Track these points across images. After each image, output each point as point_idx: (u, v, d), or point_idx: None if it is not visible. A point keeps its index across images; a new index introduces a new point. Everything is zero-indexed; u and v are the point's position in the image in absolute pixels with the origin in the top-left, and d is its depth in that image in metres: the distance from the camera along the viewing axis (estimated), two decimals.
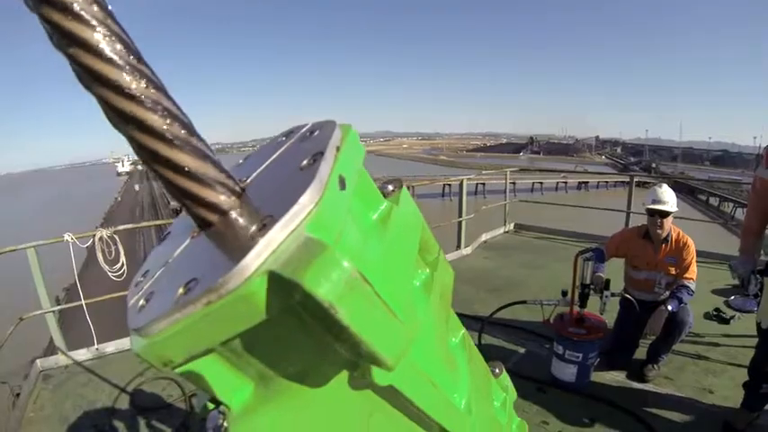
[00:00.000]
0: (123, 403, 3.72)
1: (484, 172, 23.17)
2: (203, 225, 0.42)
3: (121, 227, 4.76)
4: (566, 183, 58.50)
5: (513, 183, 30.26)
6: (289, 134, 0.56)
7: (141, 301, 0.40)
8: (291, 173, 0.42)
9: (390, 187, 0.63)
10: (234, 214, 0.40)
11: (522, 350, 4.34)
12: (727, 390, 3.51)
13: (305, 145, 0.48)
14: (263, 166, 0.51)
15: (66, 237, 4.24)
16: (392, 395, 0.49)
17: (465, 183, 7.90)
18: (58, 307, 4.64)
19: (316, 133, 0.49)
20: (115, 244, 4.51)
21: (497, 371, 1.10)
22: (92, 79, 0.34)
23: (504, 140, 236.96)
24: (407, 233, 0.61)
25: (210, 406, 0.46)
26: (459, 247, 7.69)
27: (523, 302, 4.36)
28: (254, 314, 0.35)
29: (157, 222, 6.06)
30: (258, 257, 0.34)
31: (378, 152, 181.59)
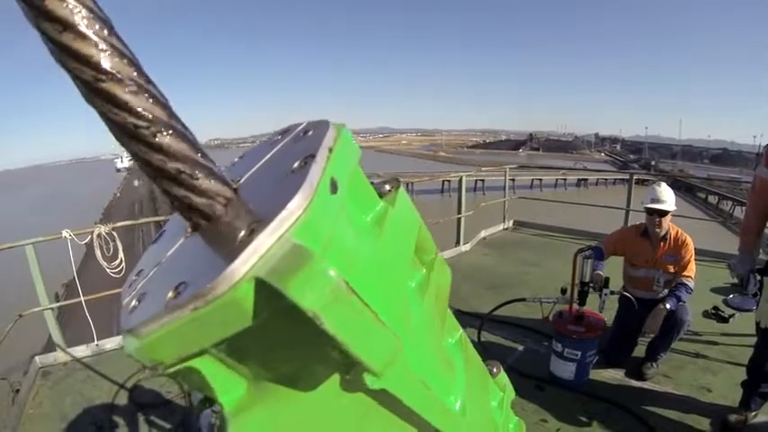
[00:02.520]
0: (122, 400, 3.72)
1: (483, 169, 23.09)
2: (196, 226, 0.42)
3: (120, 223, 4.75)
4: (565, 180, 58.38)
5: (513, 179, 30.16)
6: (284, 133, 0.56)
7: (134, 302, 0.41)
8: (283, 175, 0.42)
9: (387, 187, 0.62)
10: (226, 216, 0.40)
11: (520, 348, 4.35)
12: (726, 388, 3.51)
13: (298, 145, 0.47)
14: (257, 166, 0.50)
15: (65, 233, 4.23)
16: (385, 397, 0.49)
17: (464, 179, 7.90)
18: (57, 304, 4.63)
19: (309, 133, 0.49)
20: (114, 240, 4.50)
21: (495, 370, 1.10)
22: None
23: (504, 137, 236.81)
24: (403, 234, 0.61)
25: (204, 404, 0.46)
26: (458, 243, 7.69)
27: (522, 300, 4.36)
28: (242, 319, 0.35)
29: (156, 219, 6.04)
30: (245, 263, 0.33)
31: (377, 148, 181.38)
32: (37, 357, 4.35)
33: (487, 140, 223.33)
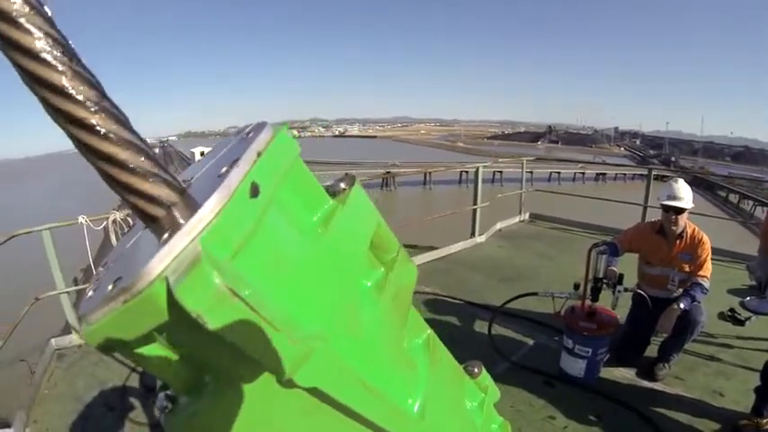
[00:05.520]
0: (134, 382, 3.79)
1: (500, 160, 22.96)
2: (146, 222, 0.43)
3: None
4: (583, 174, 57.66)
5: (531, 172, 29.85)
6: (238, 133, 0.57)
7: (90, 292, 0.44)
8: (214, 177, 0.43)
9: (342, 185, 0.62)
10: (171, 215, 0.41)
11: (531, 342, 4.33)
12: (738, 393, 3.45)
13: (239, 147, 0.48)
14: (207, 166, 0.52)
15: (81, 219, 4.28)
16: (329, 397, 0.50)
17: (481, 170, 7.82)
18: (73, 288, 4.71)
19: (250, 135, 0.50)
20: (129, 226, 4.54)
21: (476, 371, 1.08)
22: (33, 83, 0.35)
23: (523, 129, 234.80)
24: (354, 233, 0.62)
25: (162, 389, 0.51)
26: (473, 235, 7.65)
27: (535, 294, 4.32)
28: (160, 313, 0.38)
29: None
30: (160, 263, 0.36)
31: (395, 137, 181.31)
32: (52, 340, 4.45)
33: (506, 132, 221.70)
